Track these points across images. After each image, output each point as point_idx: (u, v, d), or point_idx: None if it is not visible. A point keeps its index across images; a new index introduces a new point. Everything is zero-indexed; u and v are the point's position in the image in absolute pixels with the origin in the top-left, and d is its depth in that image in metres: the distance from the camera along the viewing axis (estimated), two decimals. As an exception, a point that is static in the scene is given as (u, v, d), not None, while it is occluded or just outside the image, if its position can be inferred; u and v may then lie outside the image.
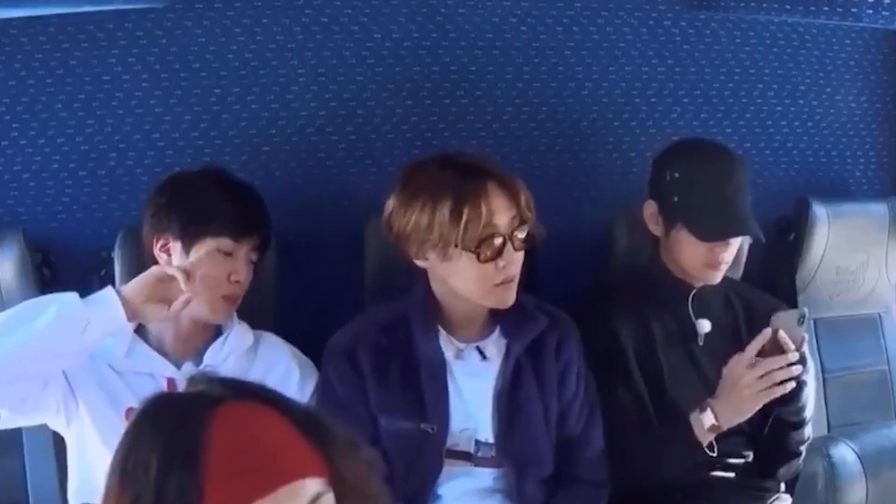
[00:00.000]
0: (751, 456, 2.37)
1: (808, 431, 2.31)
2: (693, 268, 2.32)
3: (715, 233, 2.27)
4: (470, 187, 1.99)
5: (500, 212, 2.01)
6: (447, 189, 1.99)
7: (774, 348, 2.14)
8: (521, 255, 2.04)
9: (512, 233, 2.02)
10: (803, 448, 2.30)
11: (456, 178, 2.00)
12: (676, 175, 2.31)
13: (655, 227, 2.37)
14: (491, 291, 2.04)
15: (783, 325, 2.16)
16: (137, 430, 1.04)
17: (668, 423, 2.25)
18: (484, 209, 1.98)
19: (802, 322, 2.17)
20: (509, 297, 2.06)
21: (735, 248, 2.33)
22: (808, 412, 2.29)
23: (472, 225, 1.97)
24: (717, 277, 2.33)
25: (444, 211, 1.98)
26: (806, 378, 2.21)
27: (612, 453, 2.20)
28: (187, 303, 1.96)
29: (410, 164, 2.14)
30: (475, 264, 2.00)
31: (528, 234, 2.05)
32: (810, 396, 2.27)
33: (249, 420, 1.02)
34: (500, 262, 2.01)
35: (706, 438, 2.17)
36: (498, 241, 2.00)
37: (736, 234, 2.30)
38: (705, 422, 2.16)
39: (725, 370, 2.17)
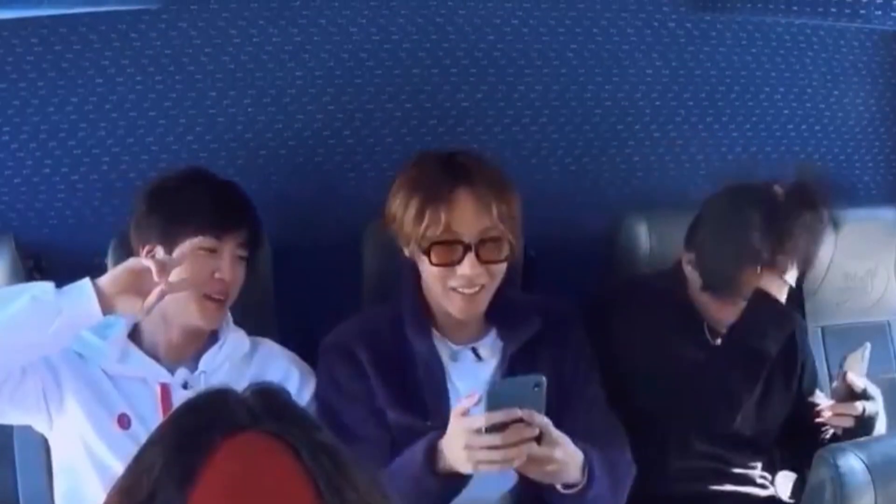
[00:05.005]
0: (758, 467, 2.35)
1: None
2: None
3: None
4: (439, 190, 1.96)
5: (463, 220, 1.96)
6: (420, 188, 1.98)
7: (844, 389, 2.21)
8: (492, 266, 1.98)
9: (479, 243, 1.97)
10: None
11: (434, 177, 1.98)
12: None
13: (692, 273, 2.28)
14: (447, 295, 2.00)
15: (852, 365, 2.22)
16: (162, 428, 1.03)
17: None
18: (444, 215, 1.94)
19: (865, 356, 2.23)
20: (468, 307, 2.00)
21: None
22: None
23: (430, 229, 1.95)
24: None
25: (412, 209, 1.97)
26: (875, 410, 2.23)
27: None
28: (162, 296, 1.91)
29: (417, 154, 2.12)
30: (431, 265, 1.98)
31: (501, 246, 1.99)
32: (880, 425, 2.27)
33: (254, 458, 0.99)
34: (459, 269, 1.96)
35: None
36: (457, 248, 1.96)
37: None
38: None
39: None
